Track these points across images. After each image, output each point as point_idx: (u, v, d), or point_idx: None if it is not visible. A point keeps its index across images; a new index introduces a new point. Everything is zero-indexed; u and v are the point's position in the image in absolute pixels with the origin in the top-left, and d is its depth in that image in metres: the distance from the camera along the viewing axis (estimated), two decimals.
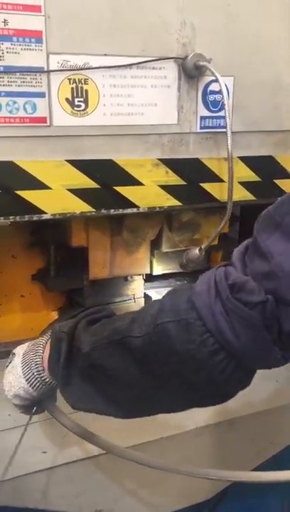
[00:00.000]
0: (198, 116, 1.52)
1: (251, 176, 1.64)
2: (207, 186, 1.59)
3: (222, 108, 1.49)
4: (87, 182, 1.43)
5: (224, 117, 1.46)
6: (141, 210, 1.52)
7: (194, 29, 1.41)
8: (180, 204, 1.57)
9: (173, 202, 1.56)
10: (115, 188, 1.47)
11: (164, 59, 1.40)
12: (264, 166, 1.64)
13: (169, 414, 1.79)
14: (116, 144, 1.44)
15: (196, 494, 2.07)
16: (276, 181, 1.68)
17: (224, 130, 1.46)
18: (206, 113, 1.52)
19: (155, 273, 1.95)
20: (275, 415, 1.99)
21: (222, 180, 1.59)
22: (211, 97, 1.51)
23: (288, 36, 1.55)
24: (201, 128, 1.53)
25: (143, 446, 1.75)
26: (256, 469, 2.14)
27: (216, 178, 1.59)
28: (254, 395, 1.93)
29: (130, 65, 1.37)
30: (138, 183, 1.49)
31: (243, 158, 1.60)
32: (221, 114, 1.52)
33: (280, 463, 2.13)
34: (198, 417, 1.84)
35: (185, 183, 1.55)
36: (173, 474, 1.33)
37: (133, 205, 1.50)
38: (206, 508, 2.17)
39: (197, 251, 1.61)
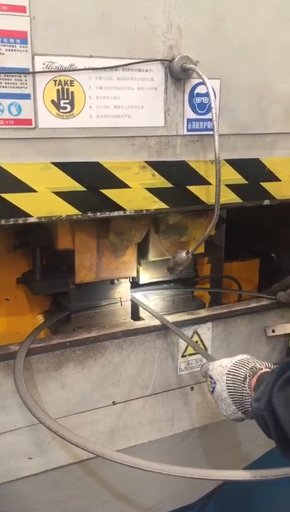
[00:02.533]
0: (185, 118, 1.51)
1: (238, 178, 1.63)
2: (194, 189, 1.58)
3: (209, 111, 1.48)
4: (73, 185, 1.41)
5: (211, 120, 1.45)
6: (127, 212, 1.51)
7: (180, 31, 1.41)
8: (167, 207, 1.56)
9: (160, 205, 1.55)
10: (102, 190, 1.46)
11: (150, 61, 1.39)
12: (251, 169, 1.64)
13: (154, 418, 1.79)
14: (103, 146, 1.43)
15: (183, 497, 2.07)
16: (263, 184, 1.68)
17: (211, 133, 1.45)
18: (193, 115, 1.52)
19: (141, 282, 1.95)
20: None
21: (208, 183, 1.58)
22: (198, 100, 1.51)
23: (275, 41, 1.55)
24: (188, 130, 1.52)
25: (130, 451, 1.74)
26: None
27: (203, 181, 1.58)
28: None
29: (116, 67, 1.36)
30: (125, 186, 1.48)
31: (230, 161, 1.60)
32: (208, 116, 1.52)
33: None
34: (185, 420, 1.84)
35: (172, 186, 1.54)
36: (160, 477, 1.33)
37: (119, 207, 1.49)
38: (192, 510, 2.17)
39: (184, 254, 1.60)
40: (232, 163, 1.61)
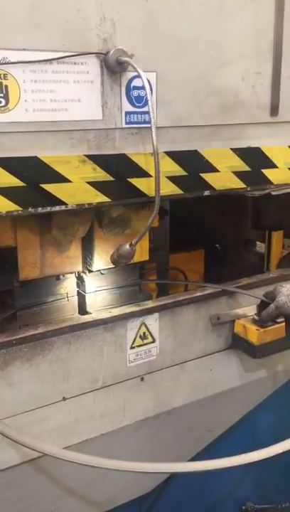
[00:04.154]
0: (123, 111, 1.52)
1: (177, 170, 1.66)
2: (135, 181, 1.60)
3: (146, 103, 1.50)
4: (12, 180, 1.39)
5: (148, 112, 1.47)
6: (69, 207, 1.51)
7: (114, 25, 1.41)
8: (109, 200, 1.57)
9: (102, 198, 1.56)
10: (42, 185, 1.45)
11: (85, 54, 1.39)
12: (190, 161, 1.68)
13: (106, 411, 1.80)
14: (41, 141, 1.41)
15: (138, 487, 2.09)
16: (202, 175, 1.72)
17: (149, 125, 1.47)
18: (131, 108, 1.53)
19: (88, 291, 1.94)
20: (211, 403, 2.05)
21: (149, 175, 1.60)
22: (135, 93, 1.52)
23: (208, 35, 1.59)
24: (126, 123, 1.53)
25: (84, 445, 1.74)
26: (196, 457, 2.19)
27: (143, 173, 1.60)
28: (190, 385, 1.97)
29: (50, 60, 1.35)
30: (66, 180, 1.48)
31: (169, 153, 1.63)
32: (145, 109, 1.53)
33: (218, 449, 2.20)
34: (136, 411, 1.86)
35: (113, 179, 1.55)
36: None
37: (61, 202, 1.48)
38: (148, 500, 2.20)
39: (128, 246, 1.61)
40: (171, 155, 1.63)
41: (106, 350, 1.73)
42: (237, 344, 1.98)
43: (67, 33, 1.36)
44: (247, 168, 1.83)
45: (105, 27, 1.40)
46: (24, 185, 1.41)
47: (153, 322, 1.83)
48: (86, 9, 1.36)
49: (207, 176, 1.74)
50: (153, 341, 1.84)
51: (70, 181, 1.48)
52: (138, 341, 1.80)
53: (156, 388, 1.88)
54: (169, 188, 1.67)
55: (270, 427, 2.40)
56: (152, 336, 1.84)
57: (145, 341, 1.82)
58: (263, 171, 1.88)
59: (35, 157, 1.42)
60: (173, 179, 1.67)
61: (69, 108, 1.43)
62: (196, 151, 1.69)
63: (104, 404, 1.77)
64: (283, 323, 1.93)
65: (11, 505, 1.77)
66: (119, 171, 1.56)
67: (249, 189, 1.88)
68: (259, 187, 1.91)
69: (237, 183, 1.83)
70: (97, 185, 1.53)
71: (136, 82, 1.51)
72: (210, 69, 1.63)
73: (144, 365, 1.83)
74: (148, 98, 1.42)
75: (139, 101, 1.53)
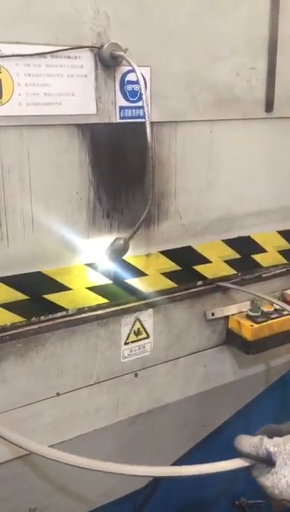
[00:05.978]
0: (117, 106, 1.51)
1: (171, 266, 1.77)
2: (132, 282, 1.73)
3: (140, 98, 1.49)
4: (16, 295, 1.49)
5: (142, 107, 1.46)
6: (70, 312, 1.62)
7: (108, 18, 1.40)
8: (107, 301, 1.71)
9: (101, 300, 1.68)
10: (44, 296, 1.54)
11: (79, 48, 1.38)
12: (184, 256, 1.79)
13: (100, 406, 1.80)
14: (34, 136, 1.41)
15: (131, 483, 2.09)
16: (195, 267, 1.85)
17: (143, 120, 1.46)
18: (125, 103, 1.52)
19: None
20: (205, 399, 2.05)
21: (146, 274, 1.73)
22: (129, 87, 1.51)
23: (201, 29, 1.58)
24: (120, 118, 1.53)
25: (78, 440, 1.74)
26: (190, 452, 2.19)
27: (141, 274, 1.73)
28: (183, 381, 1.97)
29: (44, 54, 1.34)
30: (67, 288, 1.58)
31: (164, 252, 1.74)
32: (140, 104, 1.53)
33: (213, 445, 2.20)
34: (130, 406, 1.86)
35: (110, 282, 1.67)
36: None
37: (62, 308, 1.59)
38: (142, 496, 2.20)
39: (122, 242, 1.60)
40: (166, 253, 1.75)
41: (101, 346, 1.73)
42: (231, 340, 1.99)
43: (61, 26, 1.35)
44: (238, 256, 1.92)
45: (99, 20, 1.40)
46: (27, 297, 1.51)
47: (147, 318, 1.83)
48: (80, 2, 1.35)
49: (199, 268, 1.84)
50: (147, 337, 1.84)
51: (70, 289, 1.58)
52: (132, 337, 1.80)
53: (150, 384, 1.89)
54: (163, 284, 1.77)
55: (264, 422, 2.41)
56: (146, 332, 1.83)
57: (139, 337, 1.81)
58: (253, 256, 1.97)
59: (39, 272, 1.51)
60: (167, 275, 1.77)
61: (63, 102, 1.42)
62: (190, 246, 1.78)
63: (98, 399, 1.77)
64: (278, 319, 1.94)
65: (3, 501, 1.76)
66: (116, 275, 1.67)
67: (239, 274, 1.96)
68: (250, 271, 1.99)
69: (229, 271, 1.92)
70: (95, 289, 1.64)
71: (130, 77, 1.50)
72: (204, 64, 1.63)
73: (138, 360, 1.84)
74: (143, 92, 1.41)
75: (133, 95, 1.53)
